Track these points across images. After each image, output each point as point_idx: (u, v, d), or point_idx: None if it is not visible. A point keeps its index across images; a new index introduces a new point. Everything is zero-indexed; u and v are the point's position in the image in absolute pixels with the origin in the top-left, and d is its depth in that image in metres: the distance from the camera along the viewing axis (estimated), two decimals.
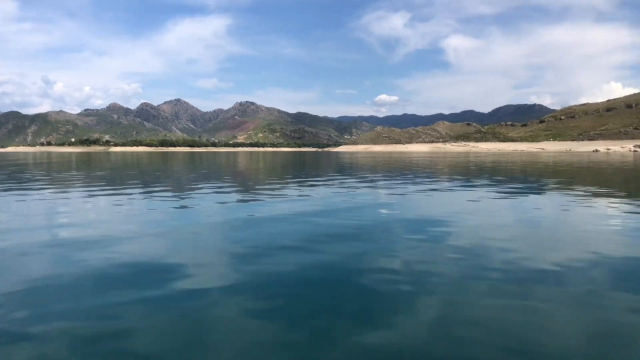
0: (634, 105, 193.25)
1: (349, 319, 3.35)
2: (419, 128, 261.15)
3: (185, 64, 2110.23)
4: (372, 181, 16.83)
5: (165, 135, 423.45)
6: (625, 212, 8.83)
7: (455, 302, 3.82)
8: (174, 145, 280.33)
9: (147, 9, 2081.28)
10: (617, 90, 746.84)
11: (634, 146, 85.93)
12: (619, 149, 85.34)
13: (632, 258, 5.27)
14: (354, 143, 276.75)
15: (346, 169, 27.75)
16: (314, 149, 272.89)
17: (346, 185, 14.80)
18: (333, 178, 18.41)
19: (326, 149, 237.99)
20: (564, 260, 5.10)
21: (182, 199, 10.79)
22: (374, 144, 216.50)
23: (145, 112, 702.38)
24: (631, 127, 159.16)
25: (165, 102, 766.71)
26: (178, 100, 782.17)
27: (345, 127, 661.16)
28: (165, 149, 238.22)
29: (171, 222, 7.53)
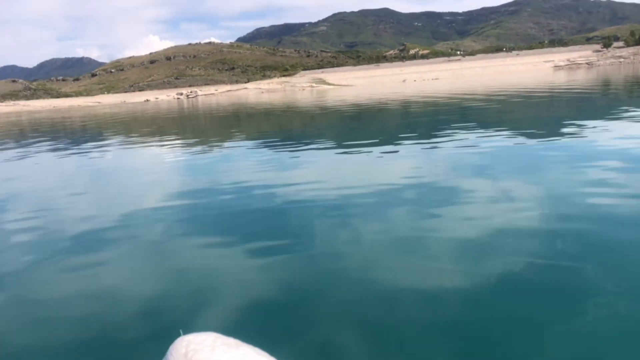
0: (172, 57, 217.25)
1: None
2: None
3: None
4: None
5: None
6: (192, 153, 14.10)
7: None
8: None
9: None
10: (156, 43, 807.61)
11: (177, 94, 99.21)
12: (165, 97, 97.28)
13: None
14: None
15: None
16: None
17: None
18: None
19: None
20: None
21: None
22: None
23: None
24: (172, 77, 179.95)
25: None
26: None
27: None
28: None
29: None
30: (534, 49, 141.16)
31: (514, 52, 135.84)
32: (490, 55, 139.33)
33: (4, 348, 3.31)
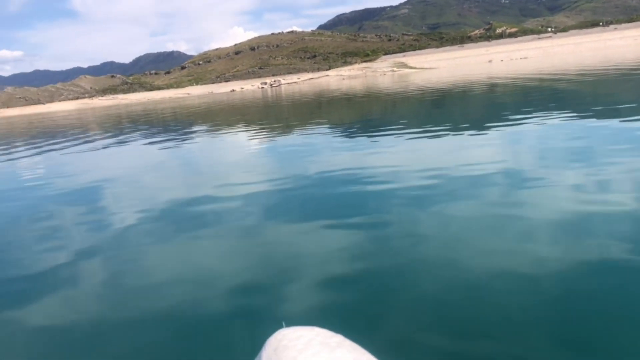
0: (256, 47, 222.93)
1: None
2: (59, 85, 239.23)
3: None
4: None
5: None
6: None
7: None
8: None
9: None
10: (240, 34, 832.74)
11: (261, 84, 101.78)
12: (250, 87, 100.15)
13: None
14: None
15: None
16: None
17: None
18: None
19: None
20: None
21: None
22: (7, 107, 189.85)
23: None
24: (256, 67, 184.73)
25: None
26: None
27: None
28: None
29: None
30: (634, 21, 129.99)
31: (612, 27, 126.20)
32: (584, 30, 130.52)
33: (103, 320, 3.56)
